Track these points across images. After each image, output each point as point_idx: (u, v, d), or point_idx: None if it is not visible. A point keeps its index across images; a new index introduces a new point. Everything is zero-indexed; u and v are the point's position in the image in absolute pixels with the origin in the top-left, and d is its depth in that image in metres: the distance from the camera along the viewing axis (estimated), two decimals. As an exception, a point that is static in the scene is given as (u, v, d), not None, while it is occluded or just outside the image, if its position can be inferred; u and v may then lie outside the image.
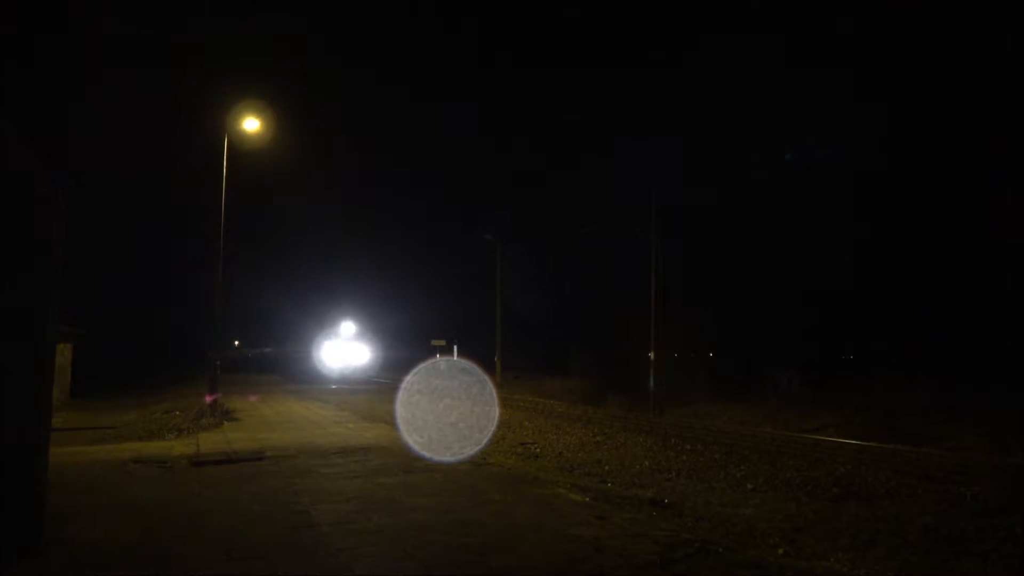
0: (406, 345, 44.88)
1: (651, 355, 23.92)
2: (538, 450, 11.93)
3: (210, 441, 10.61)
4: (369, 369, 43.06)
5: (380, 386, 30.58)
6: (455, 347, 41.55)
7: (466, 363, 36.49)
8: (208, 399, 14.65)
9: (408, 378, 32.81)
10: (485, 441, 12.97)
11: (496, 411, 18.34)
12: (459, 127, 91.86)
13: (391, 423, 14.17)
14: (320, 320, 45.15)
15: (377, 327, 43.56)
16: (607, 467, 10.32)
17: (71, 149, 4.82)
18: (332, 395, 24.07)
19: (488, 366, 35.32)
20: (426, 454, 9.20)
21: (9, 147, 4.45)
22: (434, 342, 39.89)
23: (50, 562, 4.46)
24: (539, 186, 72.50)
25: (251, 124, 15.36)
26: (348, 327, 42.94)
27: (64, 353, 21.75)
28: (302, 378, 37.33)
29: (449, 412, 18.08)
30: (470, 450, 10.89)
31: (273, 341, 64.25)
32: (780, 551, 6.05)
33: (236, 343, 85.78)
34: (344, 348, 42.04)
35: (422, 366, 35.85)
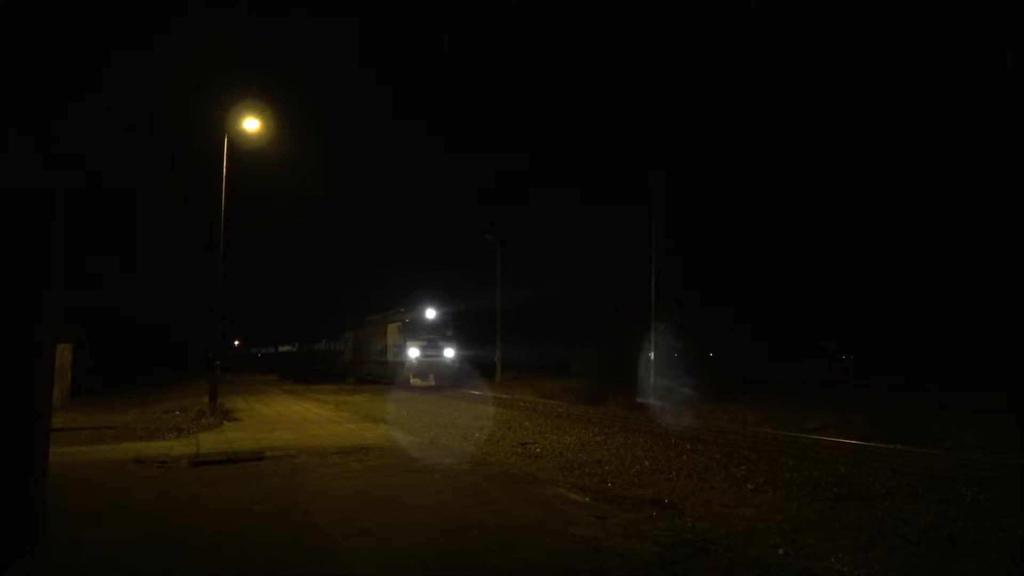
0: None
1: (651, 355, 23.95)
2: (538, 450, 11.92)
3: (210, 441, 10.60)
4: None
5: (379, 386, 30.55)
6: (455, 348, 41.43)
7: (466, 363, 36.44)
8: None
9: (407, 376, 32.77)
10: (485, 441, 12.97)
11: (496, 411, 18.34)
12: (461, 128, 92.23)
13: (390, 423, 14.17)
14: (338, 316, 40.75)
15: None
16: (607, 467, 10.31)
17: (72, 148, 4.82)
18: (331, 395, 24.08)
19: (488, 366, 35.33)
20: (425, 454, 9.19)
21: (9, 146, 4.45)
22: None
23: (49, 562, 4.46)
24: (541, 185, 72.70)
25: (251, 124, 15.36)
26: (430, 313, 31.09)
27: (64, 353, 21.72)
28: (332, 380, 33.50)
29: (449, 412, 18.08)
30: (470, 450, 10.90)
31: (288, 339, 62.66)
32: (780, 551, 6.06)
33: (236, 343, 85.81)
34: (427, 340, 29.92)
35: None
